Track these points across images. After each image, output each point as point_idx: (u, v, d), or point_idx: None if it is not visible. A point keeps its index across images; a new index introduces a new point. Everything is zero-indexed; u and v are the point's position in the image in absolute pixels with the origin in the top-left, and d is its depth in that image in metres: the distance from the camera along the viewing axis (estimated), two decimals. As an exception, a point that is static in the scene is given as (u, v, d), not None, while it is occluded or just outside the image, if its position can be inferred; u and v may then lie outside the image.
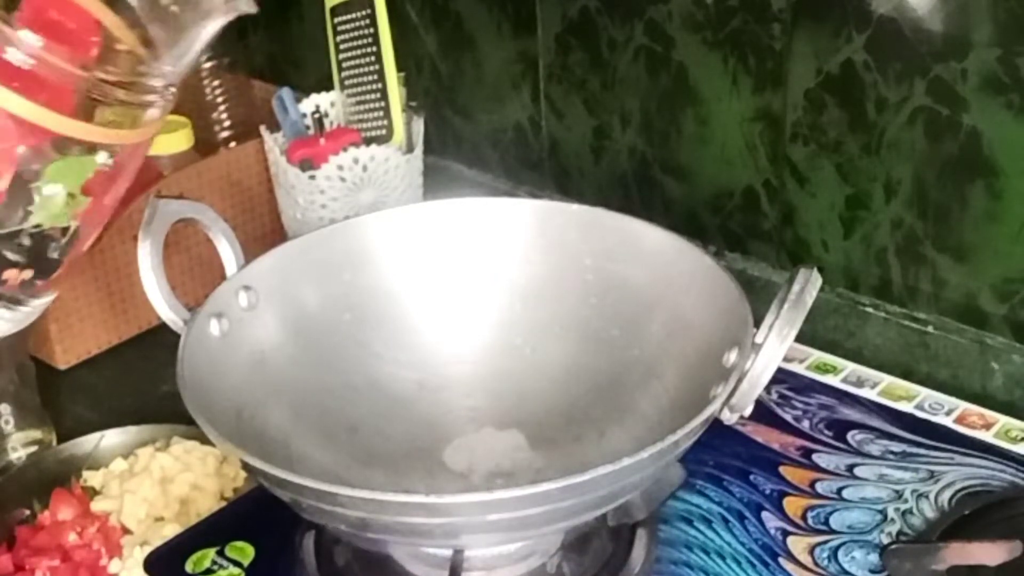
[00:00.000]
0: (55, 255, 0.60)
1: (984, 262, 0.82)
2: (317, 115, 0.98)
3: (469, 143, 1.11)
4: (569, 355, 0.77)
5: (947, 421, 0.79)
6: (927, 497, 0.72)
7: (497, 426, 0.76)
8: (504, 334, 0.78)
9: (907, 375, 0.85)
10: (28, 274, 0.60)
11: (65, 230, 0.60)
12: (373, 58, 0.96)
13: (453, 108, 1.11)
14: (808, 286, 0.62)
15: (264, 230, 1.06)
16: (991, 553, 0.65)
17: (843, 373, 0.84)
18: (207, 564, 0.70)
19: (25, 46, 0.57)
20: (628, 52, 0.95)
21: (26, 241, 0.59)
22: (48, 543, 0.77)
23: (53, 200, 0.59)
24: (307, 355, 0.74)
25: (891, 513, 0.71)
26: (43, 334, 0.95)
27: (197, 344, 0.68)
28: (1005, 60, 0.76)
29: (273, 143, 0.98)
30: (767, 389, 0.63)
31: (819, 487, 0.73)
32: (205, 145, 1.07)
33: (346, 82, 0.99)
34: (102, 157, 0.60)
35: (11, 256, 0.59)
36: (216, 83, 1.10)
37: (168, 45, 0.60)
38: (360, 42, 0.97)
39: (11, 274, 0.60)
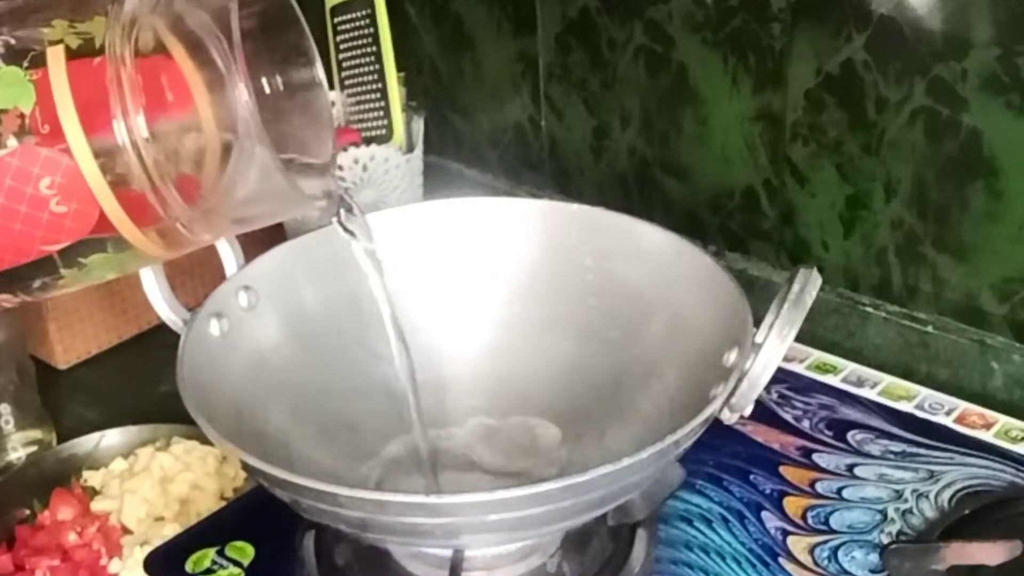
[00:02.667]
0: (37, 294, 0.62)
1: (984, 262, 0.82)
2: (317, 115, 0.98)
3: (469, 143, 1.11)
4: (569, 355, 0.77)
5: (947, 421, 0.79)
6: (927, 497, 0.72)
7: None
8: (504, 334, 0.78)
9: (907, 375, 0.84)
10: (16, 302, 0.62)
11: (64, 287, 0.61)
12: (373, 58, 0.96)
13: (453, 108, 1.11)
14: (808, 286, 0.62)
15: (264, 230, 1.05)
16: (991, 553, 0.65)
17: (843, 373, 0.84)
18: (207, 564, 0.70)
19: (132, 130, 0.55)
20: (628, 52, 0.95)
21: (37, 284, 0.60)
22: (48, 543, 0.77)
23: (80, 275, 0.60)
24: (307, 355, 0.74)
25: (891, 513, 0.71)
26: (43, 334, 0.95)
27: (197, 344, 0.68)
28: (1005, 60, 0.76)
29: (273, 143, 0.98)
30: (767, 389, 0.63)
31: (819, 487, 0.73)
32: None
33: (346, 82, 0.99)
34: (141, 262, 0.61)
35: (18, 291, 0.61)
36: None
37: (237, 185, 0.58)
38: (360, 42, 0.97)
39: (6, 297, 0.61)
